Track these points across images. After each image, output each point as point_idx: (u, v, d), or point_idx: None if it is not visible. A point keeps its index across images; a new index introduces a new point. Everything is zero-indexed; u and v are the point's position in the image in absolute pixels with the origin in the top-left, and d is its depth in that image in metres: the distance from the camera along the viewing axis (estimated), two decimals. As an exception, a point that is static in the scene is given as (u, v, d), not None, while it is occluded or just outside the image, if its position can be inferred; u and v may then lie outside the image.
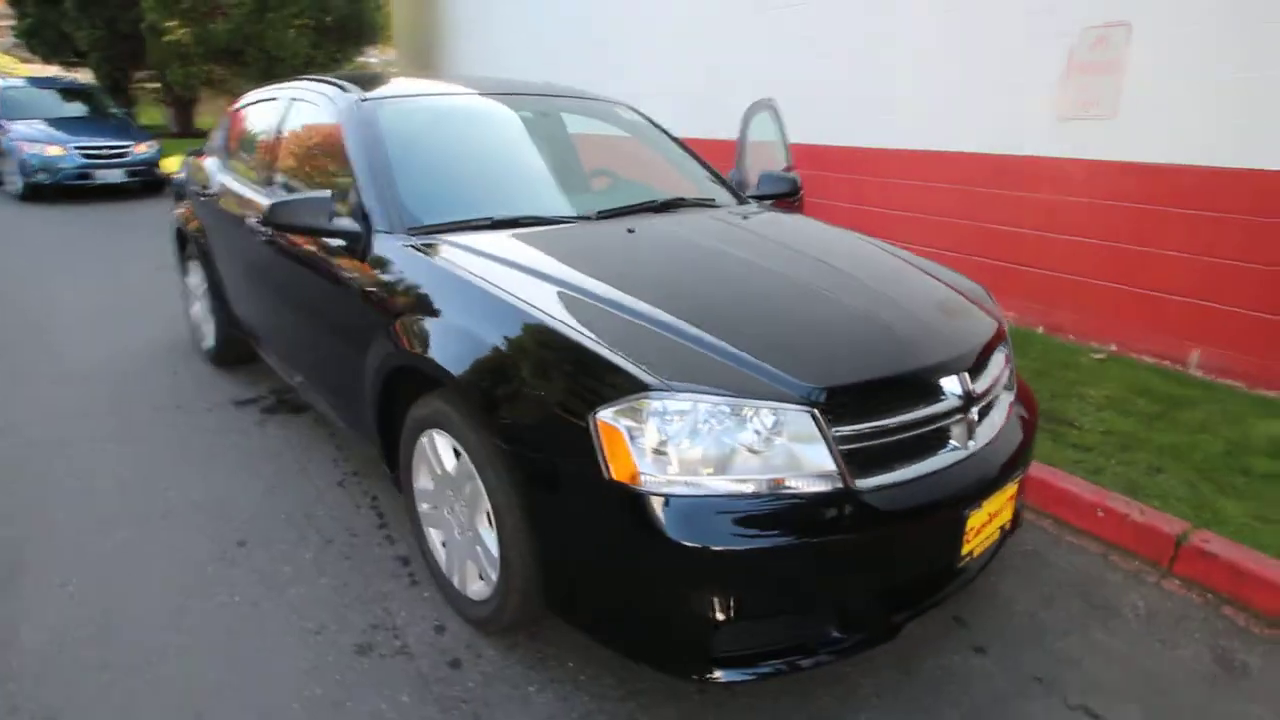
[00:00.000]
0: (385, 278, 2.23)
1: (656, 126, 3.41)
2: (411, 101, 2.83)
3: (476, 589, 2.11)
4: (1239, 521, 2.50)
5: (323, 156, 2.86)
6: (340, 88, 2.84)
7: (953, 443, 1.85)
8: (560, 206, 2.56)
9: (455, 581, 2.18)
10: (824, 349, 1.82)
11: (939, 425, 1.82)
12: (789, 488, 1.62)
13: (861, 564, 1.70)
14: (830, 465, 1.64)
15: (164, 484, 2.90)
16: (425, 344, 2.00)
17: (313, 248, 2.60)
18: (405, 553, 2.50)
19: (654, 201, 2.70)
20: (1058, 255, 4.30)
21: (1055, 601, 2.32)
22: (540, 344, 1.79)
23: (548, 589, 1.85)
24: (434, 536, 2.28)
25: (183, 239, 4.17)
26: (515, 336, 1.84)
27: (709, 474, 1.60)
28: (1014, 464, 1.97)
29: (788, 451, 1.63)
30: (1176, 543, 2.42)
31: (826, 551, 1.64)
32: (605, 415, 1.62)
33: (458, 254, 2.15)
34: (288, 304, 2.96)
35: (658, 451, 1.61)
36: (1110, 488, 2.72)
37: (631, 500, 1.60)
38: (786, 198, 3.35)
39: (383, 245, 2.28)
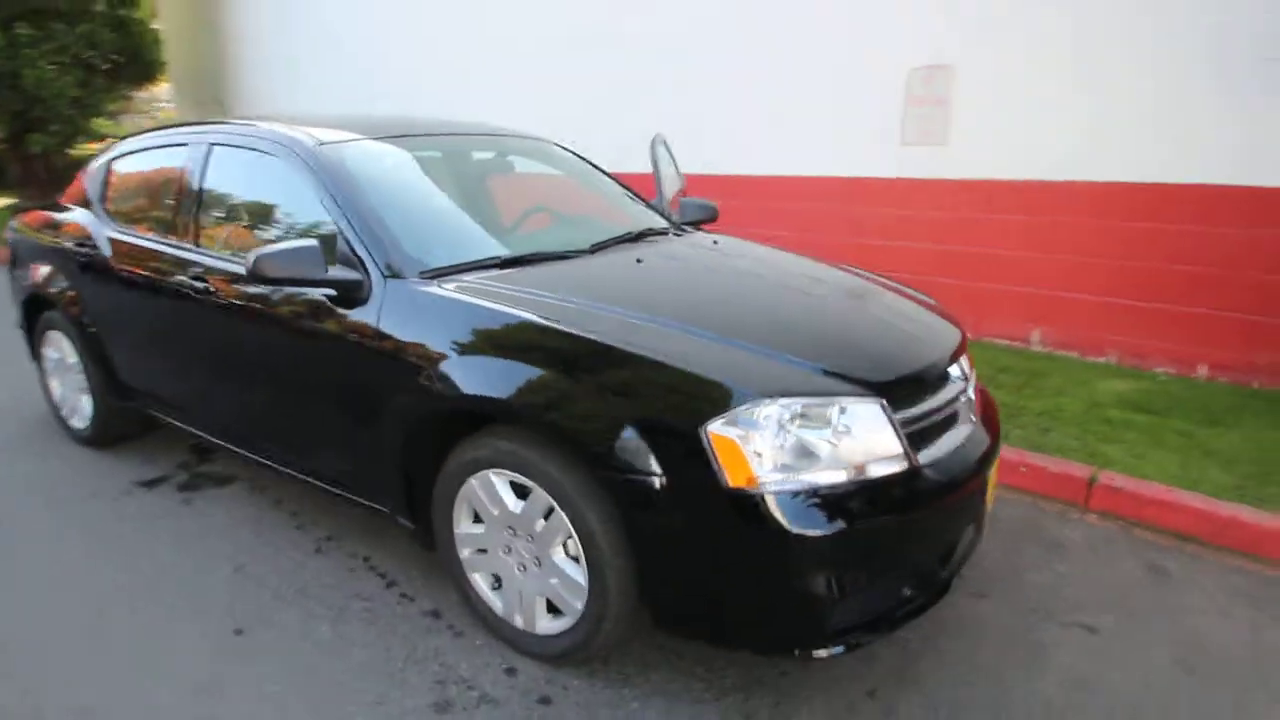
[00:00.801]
0: (409, 324, 2.16)
1: (586, 161, 3.55)
2: (368, 145, 2.73)
3: (548, 625, 2.10)
4: (1123, 461, 3.11)
5: (273, 205, 2.68)
6: (284, 131, 2.68)
7: (961, 418, 2.17)
8: (550, 242, 2.61)
9: (518, 622, 2.16)
10: (869, 351, 2.07)
11: (954, 406, 2.14)
12: (873, 472, 1.84)
13: (930, 529, 1.95)
14: (899, 448, 1.88)
15: (108, 584, 2.53)
16: (487, 385, 1.98)
17: (280, 303, 2.44)
18: (431, 606, 2.40)
19: (630, 233, 2.83)
20: (912, 260, 4.97)
21: (1017, 546, 2.74)
22: (624, 370, 1.86)
23: (657, 606, 1.91)
24: (479, 581, 2.24)
25: (37, 306, 3.61)
26: (596, 367, 1.89)
27: (808, 469, 1.78)
28: (998, 429, 2.34)
29: (866, 440, 1.84)
30: (1089, 484, 2.96)
31: (907, 522, 1.88)
32: (715, 427, 1.75)
33: (490, 292, 2.15)
34: (236, 367, 2.72)
35: (759, 454, 1.76)
36: (1020, 447, 3.25)
37: (751, 503, 1.73)
38: (707, 223, 3.63)
39: (397, 291, 2.22)
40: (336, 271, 2.26)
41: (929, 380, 2.08)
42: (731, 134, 5.68)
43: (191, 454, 3.53)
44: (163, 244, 2.91)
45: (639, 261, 2.50)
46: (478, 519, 2.19)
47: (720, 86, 5.66)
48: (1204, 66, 3.87)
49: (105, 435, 3.54)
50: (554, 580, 2.04)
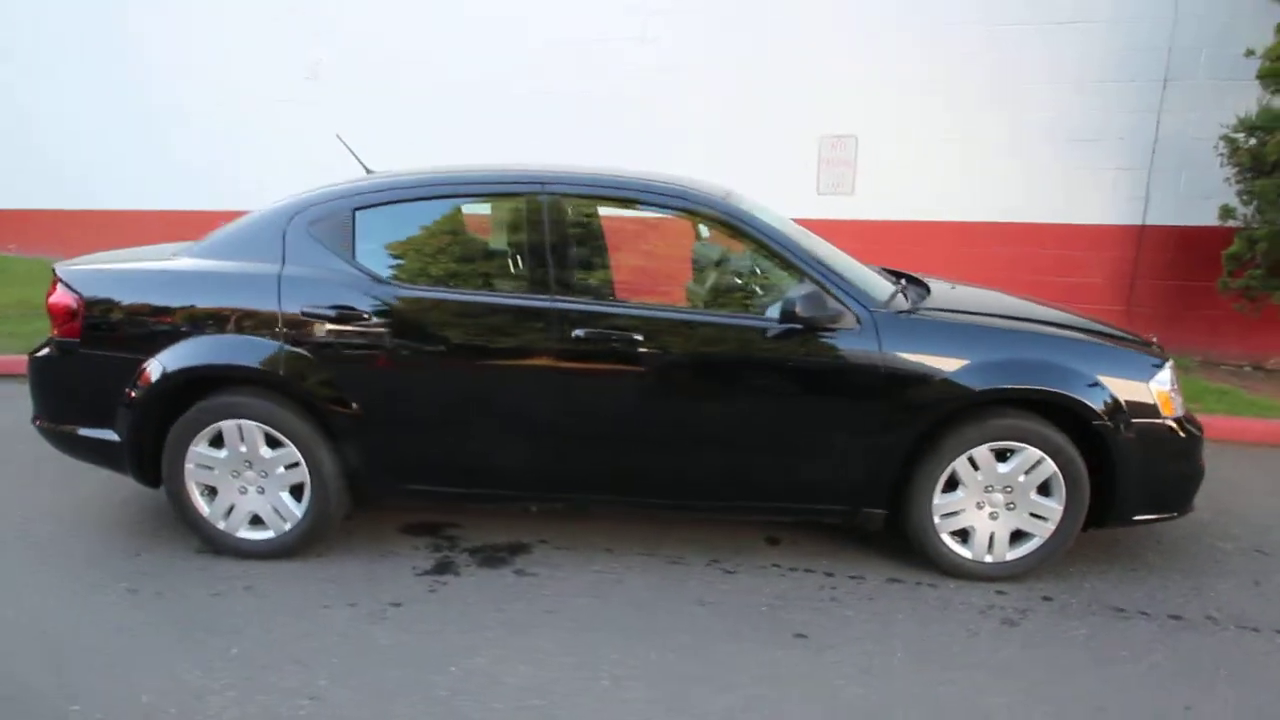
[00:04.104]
0: (915, 344, 2.76)
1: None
2: (731, 202, 3.05)
3: (1013, 552, 2.89)
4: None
5: (676, 253, 2.87)
6: (688, 187, 2.93)
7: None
8: (882, 282, 3.28)
9: (988, 559, 2.89)
10: (1138, 335, 3.28)
11: None
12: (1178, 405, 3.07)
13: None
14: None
15: (612, 660, 2.48)
16: (1018, 379, 2.73)
17: (763, 344, 2.77)
18: (885, 577, 2.93)
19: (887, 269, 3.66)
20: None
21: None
22: (1091, 354, 2.83)
23: (1112, 507, 2.85)
24: (947, 539, 2.89)
25: (180, 395, 2.85)
26: (1082, 356, 2.81)
27: (1181, 404, 2.95)
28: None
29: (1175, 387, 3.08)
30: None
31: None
32: (1153, 383, 2.82)
33: (953, 312, 2.91)
34: (660, 414, 2.85)
35: (1167, 398, 2.88)
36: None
37: (1177, 426, 2.85)
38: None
39: (888, 320, 2.79)
40: (833, 307, 2.71)
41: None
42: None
43: (418, 533, 3.20)
44: (530, 301, 2.78)
45: (952, 288, 3.37)
46: (948, 489, 2.86)
47: (675, 145, 6.46)
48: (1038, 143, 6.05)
49: (314, 536, 2.98)
50: (1028, 514, 2.85)
